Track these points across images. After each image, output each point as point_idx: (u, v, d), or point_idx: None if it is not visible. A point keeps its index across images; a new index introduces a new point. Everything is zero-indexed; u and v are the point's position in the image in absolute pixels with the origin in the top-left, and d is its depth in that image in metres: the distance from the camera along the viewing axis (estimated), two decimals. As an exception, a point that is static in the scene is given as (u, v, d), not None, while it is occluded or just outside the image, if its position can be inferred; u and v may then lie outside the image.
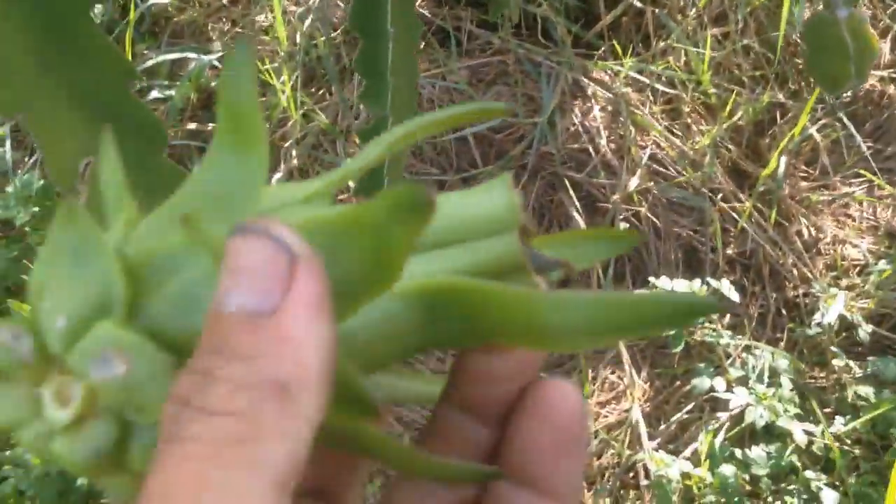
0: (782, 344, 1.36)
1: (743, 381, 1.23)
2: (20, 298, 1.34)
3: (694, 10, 1.73)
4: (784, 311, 1.42)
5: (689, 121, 1.63)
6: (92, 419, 0.21)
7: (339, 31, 1.67)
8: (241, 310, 0.19)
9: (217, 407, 0.18)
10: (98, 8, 1.60)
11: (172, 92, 1.49)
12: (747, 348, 1.30)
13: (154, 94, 1.53)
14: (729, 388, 1.21)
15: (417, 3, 1.73)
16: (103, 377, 0.20)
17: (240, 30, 1.65)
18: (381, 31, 0.73)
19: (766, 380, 1.22)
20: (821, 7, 1.74)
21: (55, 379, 0.21)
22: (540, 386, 0.26)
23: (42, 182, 1.36)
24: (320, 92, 1.59)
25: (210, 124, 1.55)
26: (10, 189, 1.36)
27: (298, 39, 1.57)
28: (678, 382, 1.31)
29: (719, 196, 1.52)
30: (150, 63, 1.51)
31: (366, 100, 0.79)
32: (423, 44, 1.67)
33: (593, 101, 1.61)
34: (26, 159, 1.48)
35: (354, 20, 0.72)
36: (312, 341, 0.19)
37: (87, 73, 0.43)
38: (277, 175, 1.47)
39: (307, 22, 1.58)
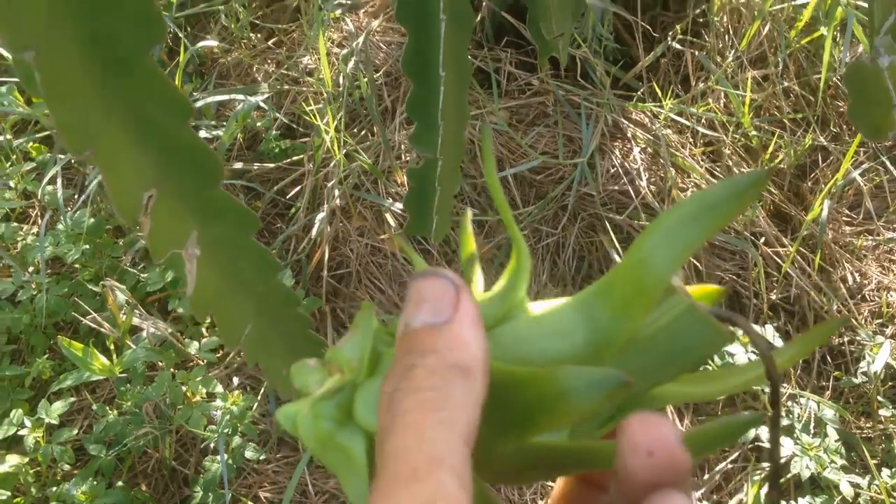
0: (828, 393, 1.35)
1: (788, 430, 1.22)
2: (68, 334, 1.37)
3: (733, 52, 1.73)
4: (829, 359, 1.41)
5: (730, 163, 1.63)
6: (338, 392, 0.30)
7: (381, 72, 1.70)
8: (425, 324, 0.27)
9: (421, 385, 0.26)
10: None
11: (220, 132, 1.52)
12: (792, 397, 1.29)
13: (202, 133, 1.55)
14: (774, 437, 1.19)
15: (459, 45, 1.75)
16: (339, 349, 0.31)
17: (284, 71, 1.67)
18: (433, 76, 0.73)
19: (811, 429, 1.21)
20: (861, 50, 1.75)
21: (331, 377, 0.30)
22: (629, 423, 0.27)
23: (92, 220, 1.38)
24: (362, 132, 1.61)
25: (255, 164, 1.57)
26: (60, 226, 1.39)
27: (342, 81, 1.59)
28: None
29: (762, 240, 1.52)
30: (198, 104, 1.53)
31: (416, 142, 0.80)
32: (465, 85, 1.68)
33: (633, 142, 1.62)
34: (76, 197, 1.51)
35: (407, 64, 0.73)
36: (477, 341, 0.27)
37: (149, 110, 0.45)
38: (321, 214, 1.49)
39: (350, 64, 1.61)
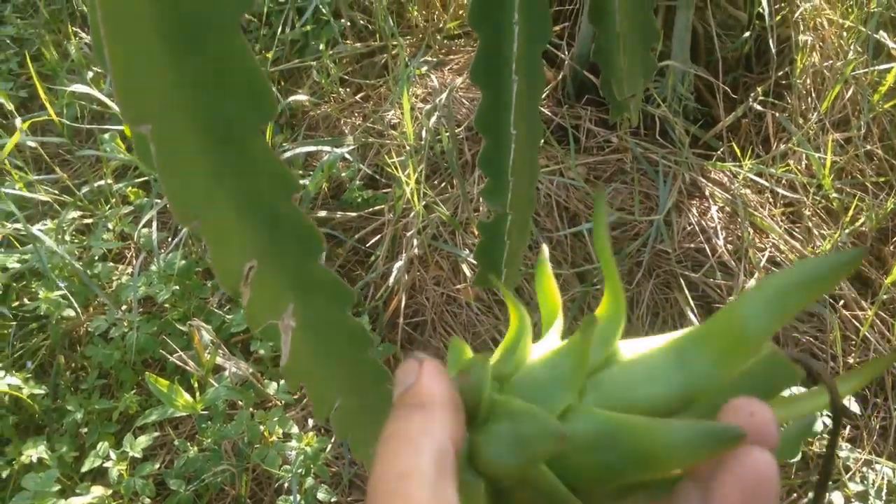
0: (905, 460, 1.31)
1: (862, 496, 1.19)
2: (155, 371, 1.43)
3: (815, 114, 1.73)
4: (907, 425, 1.37)
5: (809, 224, 1.62)
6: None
7: (462, 126, 1.74)
8: (405, 389, 0.33)
9: (390, 431, 0.31)
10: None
11: (306, 181, 1.58)
12: (867, 463, 1.26)
13: (288, 182, 1.62)
14: (848, 504, 1.17)
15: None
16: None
17: (370, 125, 1.74)
18: (504, 133, 0.76)
19: (883, 496, 1.18)
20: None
21: None
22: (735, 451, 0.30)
23: (183, 262, 1.45)
24: (442, 184, 1.66)
25: (339, 212, 1.63)
26: (153, 267, 1.46)
27: (424, 135, 1.64)
28: (795, 495, 1.28)
29: (841, 303, 1.50)
30: (287, 155, 1.60)
31: (487, 196, 0.83)
32: (543, 141, 1.72)
33: (711, 201, 1.62)
34: (170, 240, 1.58)
35: (480, 121, 0.76)
36: (436, 388, 0.32)
37: (255, 184, 0.47)
38: (399, 263, 1.53)
39: (433, 119, 1.66)
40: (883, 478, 1.21)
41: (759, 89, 1.76)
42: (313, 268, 0.53)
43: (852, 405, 1.29)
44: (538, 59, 0.75)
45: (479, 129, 0.76)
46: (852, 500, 1.19)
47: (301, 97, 1.76)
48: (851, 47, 1.76)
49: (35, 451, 1.26)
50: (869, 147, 1.69)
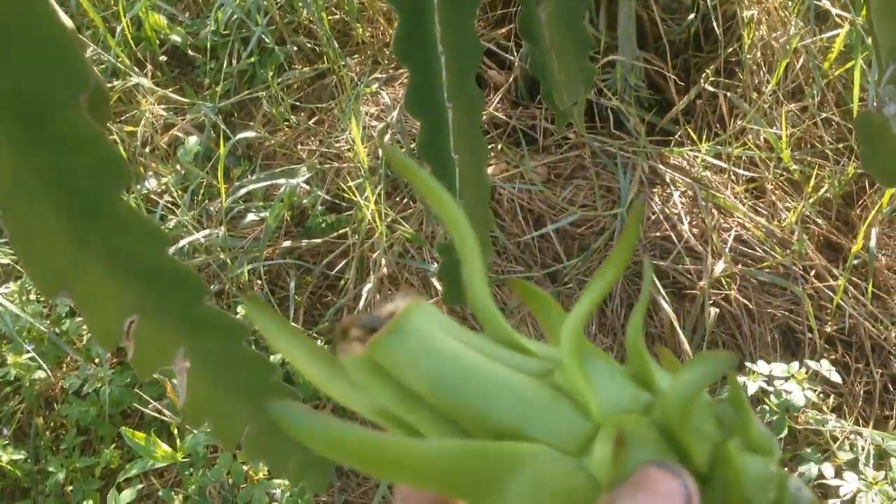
0: (892, 422, 1.31)
1: (853, 463, 1.19)
2: (135, 421, 1.41)
3: (768, 87, 1.73)
4: (892, 388, 1.37)
5: (773, 198, 1.62)
6: None
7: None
8: None
9: None
10: (193, 139, 1.71)
11: (265, 214, 1.57)
12: (856, 431, 1.26)
13: (251, 216, 1.61)
14: (838, 474, 1.17)
15: (493, 107, 1.79)
16: None
17: (326, 149, 1.73)
18: (447, 159, 0.77)
19: (871, 460, 1.18)
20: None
21: None
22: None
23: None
24: (405, 201, 1.65)
25: (304, 241, 1.62)
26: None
27: (380, 153, 1.64)
28: (785, 469, 1.28)
29: (812, 273, 1.50)
30: (244, 191, 1.59)
31: (439, 221, 0.83)
32: (501, 146, 1.72)
33: (672, 187, 1.62)
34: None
35: (421, 149, 0.76)
36: None
37: (124, 246, 0.47)
38: (368, 285, 1.52)
39: (387, 136, 1.65)
40: (870, 442, 1.21)
41: (709, 69, 1.76)
42: (200, 310, 0.54)
43: (833, 375, 1.28)
44: (472, 83, 0.75)
45: (422, 157, 0.76)
46: (843, 468, 1.19)
47: (249, 134, 1.74)
48: (794, 18, 1.76)
49: (17, 519, 1.24)
50: (825, 114, 1.69)
